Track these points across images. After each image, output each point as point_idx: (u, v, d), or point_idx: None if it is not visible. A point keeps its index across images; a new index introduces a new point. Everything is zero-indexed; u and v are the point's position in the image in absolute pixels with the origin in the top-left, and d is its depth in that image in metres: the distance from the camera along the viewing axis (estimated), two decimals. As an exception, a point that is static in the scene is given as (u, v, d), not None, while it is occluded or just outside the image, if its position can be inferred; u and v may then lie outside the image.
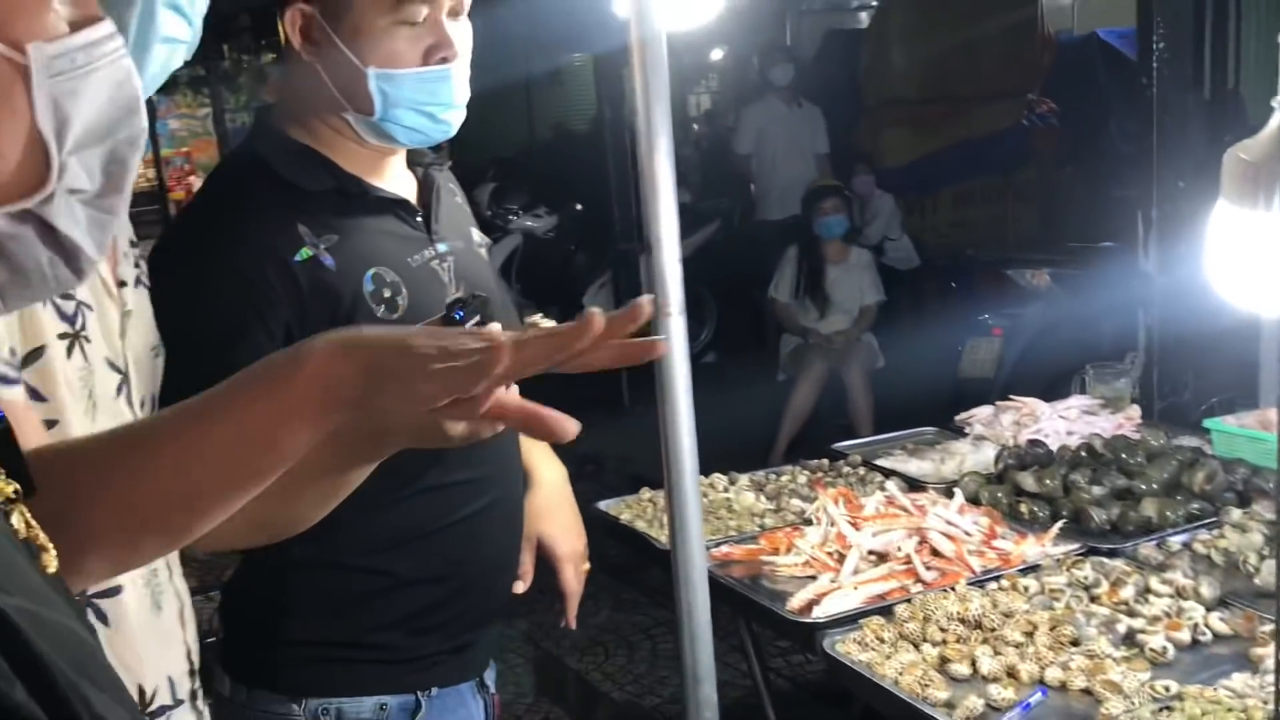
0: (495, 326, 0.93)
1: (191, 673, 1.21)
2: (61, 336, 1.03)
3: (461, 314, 0.99)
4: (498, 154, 8.49)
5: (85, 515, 0.81)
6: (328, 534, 1.15)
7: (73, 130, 0.60)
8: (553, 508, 1.69)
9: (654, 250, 1.57)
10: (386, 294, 1.38)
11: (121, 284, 1.13)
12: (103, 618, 1.10)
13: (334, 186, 1.41)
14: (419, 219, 1.47)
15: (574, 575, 1.70)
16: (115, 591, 1.11)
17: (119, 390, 1.12)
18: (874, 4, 9.14)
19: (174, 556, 1.19)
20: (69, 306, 1.05)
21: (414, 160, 1.53)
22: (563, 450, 1.53)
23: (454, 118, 1.43)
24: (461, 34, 1.41)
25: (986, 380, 4.54)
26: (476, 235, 1.60)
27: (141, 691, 1.14)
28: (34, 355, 1.01)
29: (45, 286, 0.64)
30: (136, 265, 1.18)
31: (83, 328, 1.06)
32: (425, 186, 1.52)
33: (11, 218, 0.59)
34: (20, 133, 0.58)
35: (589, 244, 6.67)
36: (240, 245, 1.34)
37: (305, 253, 1.35)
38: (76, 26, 0.60)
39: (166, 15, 1.04)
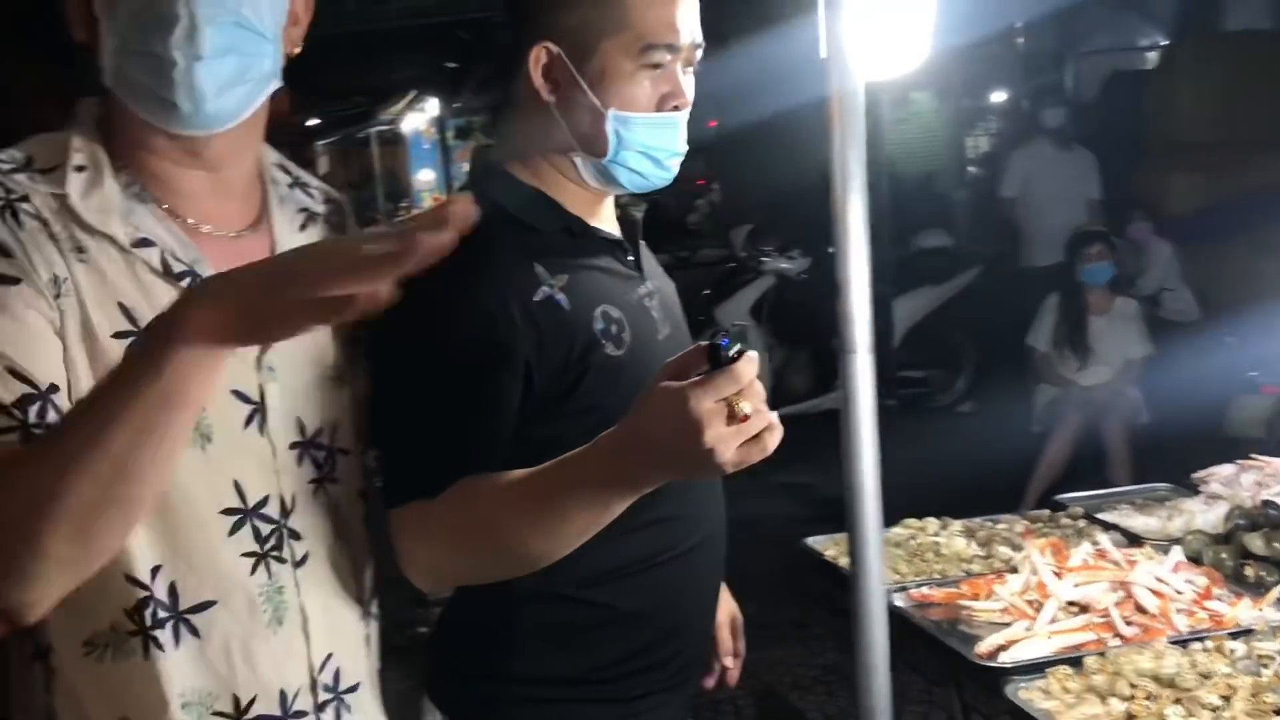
0: (754, 354, 1.08)
1: (314, 687, 1.27)
2: None
3: (726, 342, 1.08)
4: (762, 196, 8.63)
5: None
6: (552, 565, 1.27)
7: None
8: None
9: (843, 290, 1.61)
10: (614, 330, 1.40)
11: None
12: (194, 631, 1.20)
13: (562, 227, 1.44)
14: (630, 258, 1.51)
15: (732, 636, 1.77)
16: (206, 607, 1.20)
17: (248, 420, 1.22)
18: (1162, 44, 8.70)
19: (312, 580, 1.27)
20: None
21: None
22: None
23: (675, 165, 1.46)
24: (690, 86, 1.44)
25: (1259, 441, 4.24)
26: (667, 274, 1.65)
27: (236, 700, 1.22)
28: None
29: None
30: None
31: None
32: (628, 227, 1.56)
33: None
34: None
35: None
36: (486, 282, 1.34)
37: (543, 292, 1.37)
38: None
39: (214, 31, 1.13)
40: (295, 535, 1.26)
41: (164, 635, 1.19)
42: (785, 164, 9.81)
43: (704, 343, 1.09)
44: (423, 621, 2.00)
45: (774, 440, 1.09)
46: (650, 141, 1.42)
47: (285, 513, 1.26)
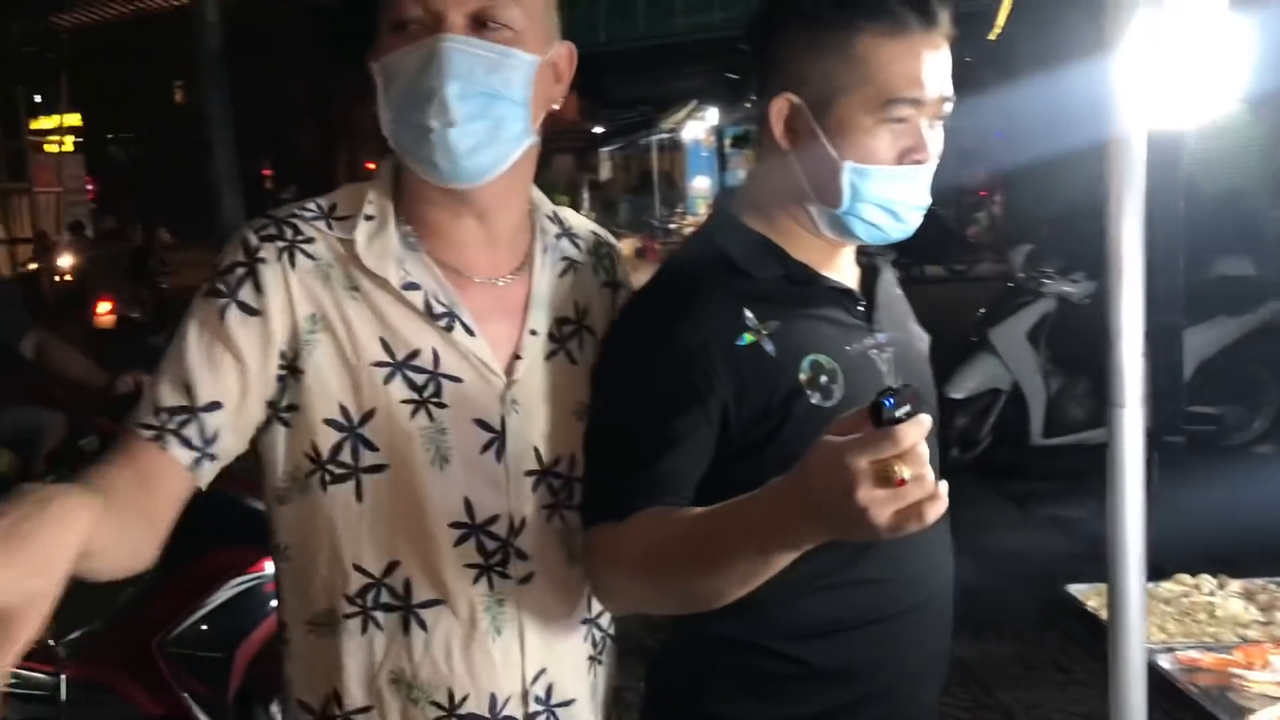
0: (924, 418, 1.04)
1: (525, 697, 1.39)
2: (404, 401, 1.34)
3: (891, 402, 1.03)
4: (1045, 212, 8.28)
5: None
6: (748, 614, 1.30)
7: None
8: None
9: (1113, 340, 1.56)
10: (823, 380, 1.38)
11: (517, 357, 1.40)
12: (421, 624, 1.36)
13: (782, 274, 1.44)
14: (860, 308, 1.48)
15: None
16: (433, 604, 1.36)
17: (486, 446, 1.37)
18: None
19: (533, 598, 1.40)
20: (420, 379, 1.34)
21: (860, 250, 1.55)
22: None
23: (914, 218, 1.43)
24: (935, 139, 1.41)
25: None
26: (916, 329, 1.60)
27: (450, 694, 1.37)
28: (369, 415, 1.34)
29: None
30: (556, 339, 1.44)
31: (434, 395, 1.34)
32: (868, 276, 1.53)
33: None
34: None
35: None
36: (688, 325, 1.37)
37: (748, 338, 1.37)
38: None
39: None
40: (521, 555, 1.38)
41: (387, 619, 1.36)
42: (1072, 180, 9.38)
43: (869, 403, 1.05)
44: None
45: (933, 512, 1.03)
46: (887, 194, 1.40)
47: (513, 532, 1.38)
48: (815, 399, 1.37)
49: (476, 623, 1.37)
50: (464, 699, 1.37)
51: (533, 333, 1.42)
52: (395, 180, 1.41)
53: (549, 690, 1.41)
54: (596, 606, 1.47)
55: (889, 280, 1.57)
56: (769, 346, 1.37)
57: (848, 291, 1.48)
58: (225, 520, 3.05)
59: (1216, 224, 7.15)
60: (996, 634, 4.41)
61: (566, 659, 1.44)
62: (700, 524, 1.24)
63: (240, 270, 1.34)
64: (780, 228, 1.47)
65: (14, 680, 2.85)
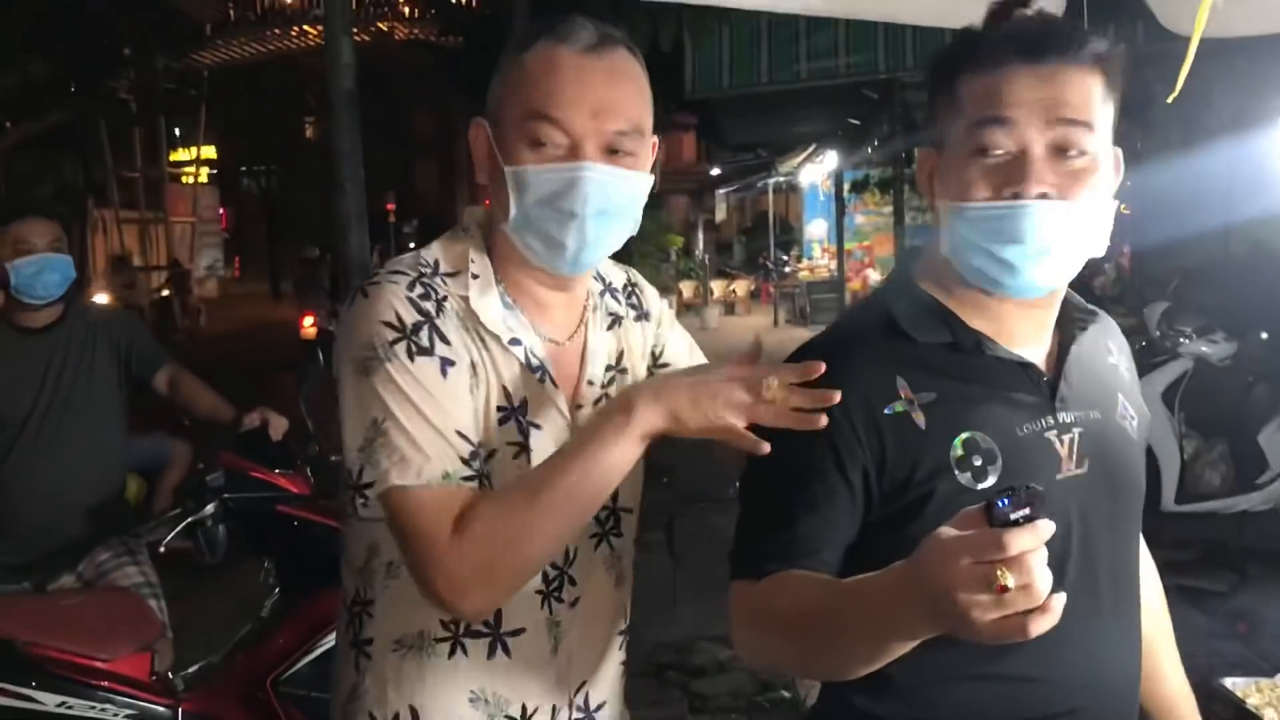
0: (1043, 524, 0.97)
1: (571, 706, 1.58)
2: (510, 444, 1.48)
3: (1005, 502, 0.97)
4: (1179, 264, 7.99)
5: None
6: (892, 696, 1.33)
7: None
8: None
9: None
10: (976, 462, 1.30)
11: (579, 406, 1.54)
12: (505, 649, 1.51)
13: (949, 342, 1.36)
14: (1044, 382, 1.37)
15: None
16: (519, 633, 1.52)
17: None
18: None
19: (580, 619, 1.58)
20: (523, 425, 1.49)
21: (1065, 316, 1.43)
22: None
23: (1030, 266, 1.30)
24: (1054, 170, 1.28)
25: None
26: (1124, 403, 1.46)
27: (524, 708, 1.54)
28: (490, 455, 1.47)
29: None
30: (602, 385, 1.59)
31: (527, 440, 1.49)
32: (1063, 347, 1.41)
33: None
34: None
35: (1271, 376, 6.03)
36: (837, 383, 1.31)
37: (898, 407, 1.31)
38: None
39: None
40: (572, 581, 1.56)
41: (474, 645, 1.51)
42: (1207, 231, 9.05)
43: (982, 503, 1.00)
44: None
45: (1037, 626, 0.98)
46: (985, 235, 1.29)
47: (568, 561, 1.55)
48: (964, 479, 1.29)
49: (544, 643, 1.55)
50: (534, 711, 1.55)
51: (590, 383, 1.58)
52: (489, 238, 1.56)
53: (587, 699, 1.61)
54: (627, 620, 1.67)
55: (1095, 351, 1.46)
56: (919, 418, 1.31)
57: (1026, 365, 1.37)
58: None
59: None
60: None
61: (601, 669, 1.63)
62: (827, 596, 1.21)
63: (425, 328, 1.43)
64: (952, 290, 1.39)
65: (132, 711, 2.89)
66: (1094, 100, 1.29)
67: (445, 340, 1.44)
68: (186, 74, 28.04)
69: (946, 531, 1.02)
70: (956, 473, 1.29)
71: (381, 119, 28.50)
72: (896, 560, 1.12)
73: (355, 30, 9.84)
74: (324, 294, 16.10)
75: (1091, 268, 17.54)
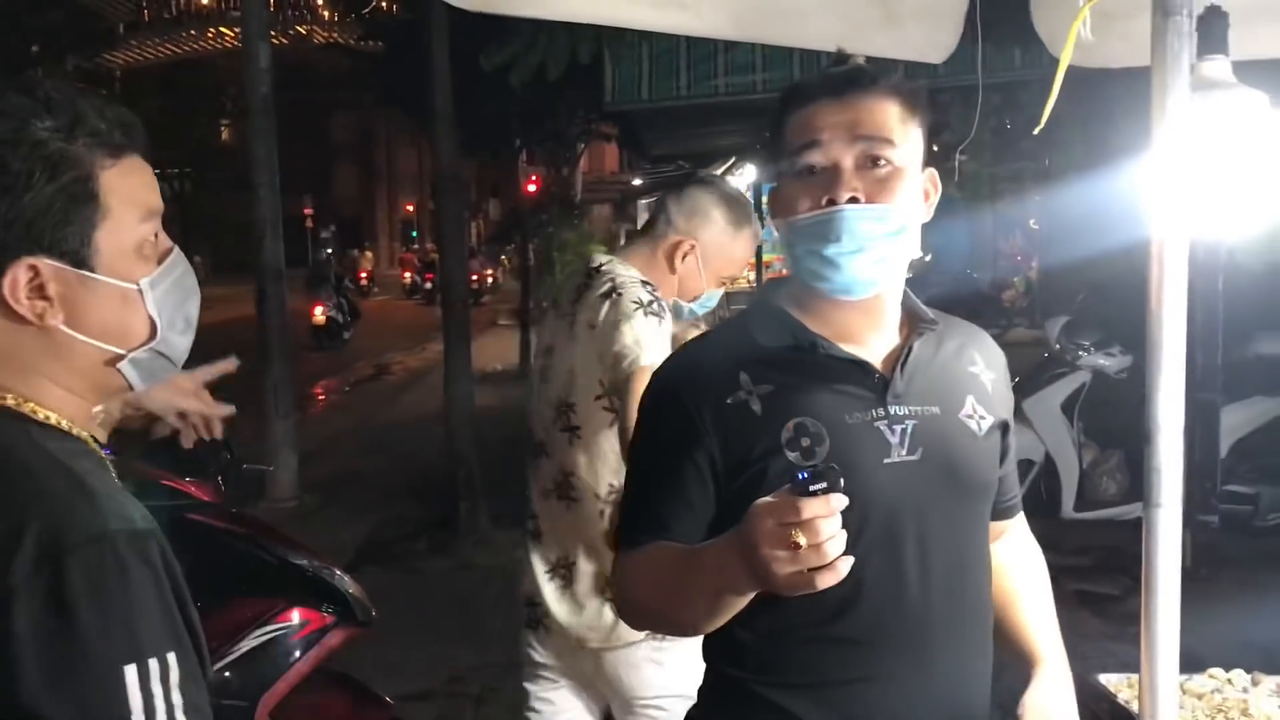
0: (838, 497, 1.18)
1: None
2: None
3: (804, 476, 1.18)
4: (1083, 280, 8.26)
5: None
6: (741, 657, 1.53)
7: (165, 309, 1.20)
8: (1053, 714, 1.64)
9: (1152, 437, 1.56)
10: (804, 443, 1.47)
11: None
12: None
13: (789, 344, 1.54)
14: (877, 378, 1.54)
15: None
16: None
17: None
18: None
19: None
20: None
21: (911, 325, 1.61)
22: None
23: (851, 262, 1.48)
24: (864, 179, 1.48)
25: None
26: (974, 404, 1.60)
27: None
28: None
29: (158, 376, 1.25)
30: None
31: None
32: (904, 348, 1.58)
33: (146, 351, 1.20)
34: (144, 318, 1.18)
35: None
36: (687, 384, 1.55)
37: (738, 396, 1.51)
38: (161, 259, 1.20)
39: None
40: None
41: None
42: (1112, 248, 9.33)
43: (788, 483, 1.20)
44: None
45: (824, 581, 1.18)
46: (812, 242, 1.50)
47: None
48: (793, 458, 1.47)
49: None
50: None
51: None
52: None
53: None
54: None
55: (948, 356, 1.62)
56: (756, 406, 1.50)
57: (860, 362, 1.54)
58: (252, 569, 3.08)
59: (1255, 302, 7.11)
60: None
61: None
62: (680, 561, 1.44)
63: None
64: (804, 302, 1.58)
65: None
66: (891, 120, 1.50)
67: None
68: (98, 74, 27.39)
69: (762, 500, 1.22)
70: (787, 452, 1.47)
71: (300, 123, 28.10)
72: None
73: (273, 33, 9.74)
74: (331, 288, 19.44)
75: (1000, 282, 17.91)
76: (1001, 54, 6.26)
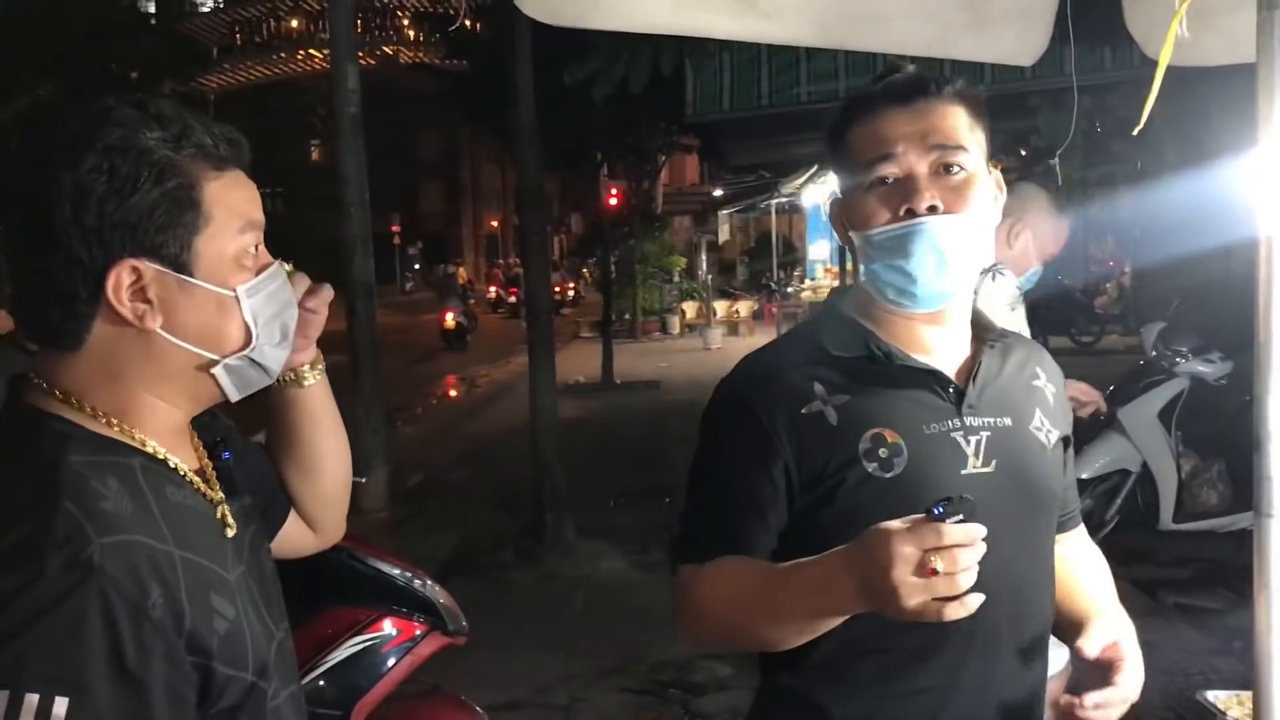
0: (977, 527, 1.15)
1: None
2: None
3: (940, 509, 1.16)
4: (1182, 284, 8.04)
5: None
6: (805, 671, 1.50)
7: (261, 318, 1.21)
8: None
9: (1261, 445, 1.51)
10: (882, 453, 1.46)
11: None
12: None
13: (864, 354, 1.53)
14: (952, 389, 1.53)
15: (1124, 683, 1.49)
16: None
17: None
18: None
19: None
20: None
21: (978, 337, 1.60)
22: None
23: (932, 279, 1.47)
24: (942, 186, 1.47)
25: None
26: (1041, 417, 1.60)
27: None
28: None
29: (253, 386, 1.25)
30: None
31: None
32: (974, 360, 1.57)
33: (240, 359, 1.21)
34: (239, 325, 1.19)
35: (1270, 396, 6.07)
36: (760, 394, 1.52)
37: (813, 406, 1.49)
38: (260, 271, 1.21)
39: None
40: None
41: None
42: (1208, 251, 9.09)
43: (924, 508, 1.18)
44: None
45: (953, 612, 1.16)
46: (890, 256, 1.49)
47: None
48: (871, 468, 1.45)
49: None
50: None
51: None
52: None
53: None
54: None
55: (1015, 369, 1.62)
56: (832, 416, 1.48)
57: (934, 372, 1.53)
58: (345, 579, 3.13)
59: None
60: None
61: None
62: (768, 577, 1.40)
63: None
64: (873, 312, 1.57)
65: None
66: (961, 127, 1.50)
67: None
68: (192, 97, 28.23)
69: (894, 523, 1.19)
70: (864, 463, 1.46)
71: (387, 141, 28.66)
72: (818, 541, 1.33)
73: (360, 54, 9.95)
74: (458, 299, 22.70)
75: (1092, 288, 17.53)
76: (1092, 55, 6.14)
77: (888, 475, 1.45)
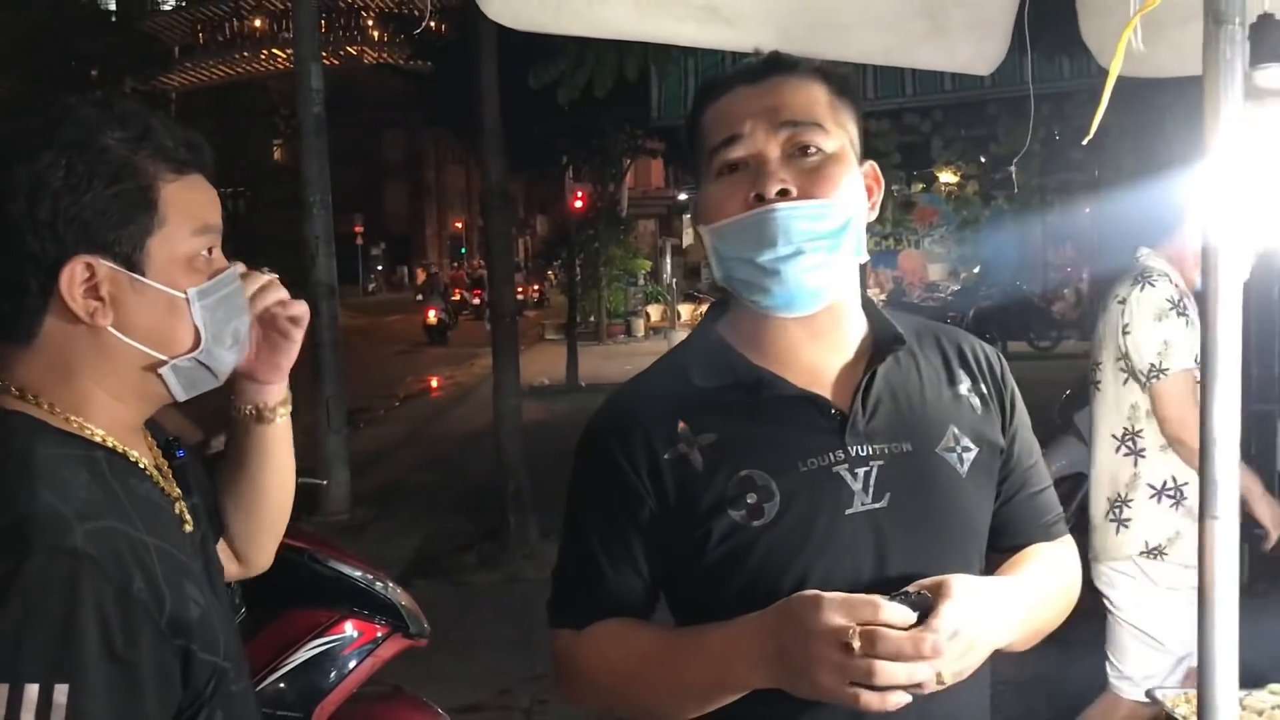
0: (911, 616, 1.10)
1: None
2: None
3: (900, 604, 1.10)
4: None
5: None
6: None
7: (211, 322, 1.20)
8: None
9: (1208, 450, 1.54)
10: (750, 500, 1.28)
11: None
12: None
13: (732, 382, 1.34)
14: (834, 415, 1.32)
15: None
16: None
17: None
18: None
19: None
20: None
21: (878, 347, 1.38)
22: None
23: (791, 267, 1.28)
24: (795, 172, 1.29)
25: None
26: (955, 434, 1.37)
27: None
28: None
29: (200, 387, 1.24)
30: None
31: None
32: (870, 377, 1.35)
33: (189, 360, 1.20)
34: (189, 327, 1.19)
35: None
36: (619, 441, 1.34)
37: (677, 450, 1.31)
38: (215, 274, 1.21)
39: None
40: None
41: None
42: (1165, 259, 9.17)
43: (888, 596, 1.12)
44: None
45: (869, 701, 1.08)
46: (741, 250, 1.30)
47: None
48: (738, 516, 1.28)
49: None
50: None
51: None
52: None
53: None
54: None
55: (922, 382, 1.39)
56: (697, 460, 1.30)
57: (813, 398, 1.33)
58: (306, 582, 3.12)
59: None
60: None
61: None
62: (661, 644, 1.30)
63: None
64: (745, 328, 1.38)
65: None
66: (819, 103, 1.32)
67: None
68: (154, 96, 27.95)
69: (830, 594, 1.12)
70: (731, 511, 1.28)
71: (350, 141, 28.49)
72: (692, 602, 1.29)
73: (324, 54, 9.89)
74: (440, 297, 25.57)
75: (1050, 294, 17.68)
76: (1050, 64, 6.24)
77: (756, 523, 1.27)
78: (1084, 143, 1.90)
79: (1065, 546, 1.51)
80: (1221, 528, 1.52)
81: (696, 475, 1.30)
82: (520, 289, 26.22)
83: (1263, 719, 2.16)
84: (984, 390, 1.42)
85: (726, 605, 1.25)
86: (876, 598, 1.12)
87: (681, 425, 1.32)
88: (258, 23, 44.53)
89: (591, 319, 21.31)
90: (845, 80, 1.38)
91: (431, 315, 24.29)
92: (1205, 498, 1.53)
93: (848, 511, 1.29)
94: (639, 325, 22.99)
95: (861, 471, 1.30)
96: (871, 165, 1.39)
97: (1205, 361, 1.55)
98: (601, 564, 1.35)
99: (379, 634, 3.12)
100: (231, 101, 34.71)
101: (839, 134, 1.33)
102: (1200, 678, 1.56)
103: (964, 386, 1.41)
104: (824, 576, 1.24)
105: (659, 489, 1.31)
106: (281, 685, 3.03)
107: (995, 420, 1.42)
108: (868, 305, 1.44)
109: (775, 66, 1.35)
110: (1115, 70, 1.64)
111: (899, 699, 1.08)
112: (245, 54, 44.34)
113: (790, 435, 1.31)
